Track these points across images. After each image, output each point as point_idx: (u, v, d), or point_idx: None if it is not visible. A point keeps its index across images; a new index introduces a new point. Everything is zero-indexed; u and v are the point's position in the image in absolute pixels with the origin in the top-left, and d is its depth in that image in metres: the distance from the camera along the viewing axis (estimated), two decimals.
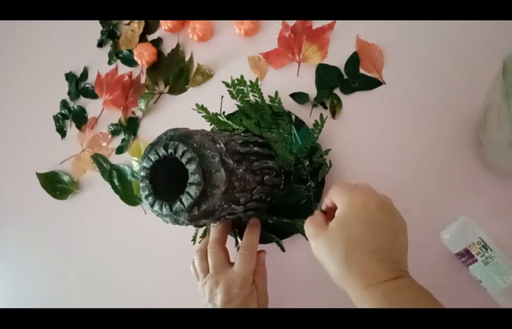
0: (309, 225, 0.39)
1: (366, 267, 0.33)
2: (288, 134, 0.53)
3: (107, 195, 0.70)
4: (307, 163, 0.53)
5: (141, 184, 0.40)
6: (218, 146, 0.39)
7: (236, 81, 0.55)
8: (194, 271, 0.51)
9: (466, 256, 0.45)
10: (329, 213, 0.40)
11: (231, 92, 0.55)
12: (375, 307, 0.32)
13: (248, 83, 0.55)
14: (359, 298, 0.33)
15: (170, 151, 0.38)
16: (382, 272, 0.33)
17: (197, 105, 0.56)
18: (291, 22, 0.60)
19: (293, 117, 0.55)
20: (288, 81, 0.59)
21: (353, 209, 0.36)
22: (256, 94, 0.55)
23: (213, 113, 0.56)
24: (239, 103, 0.56)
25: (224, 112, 0.59)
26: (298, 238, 0.54)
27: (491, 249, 0.44)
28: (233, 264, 0.48)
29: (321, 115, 0.53)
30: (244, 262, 0.47)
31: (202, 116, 0.56)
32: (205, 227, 0.57)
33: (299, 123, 0.55)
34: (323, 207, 0.42)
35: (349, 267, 0.34)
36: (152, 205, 0.39)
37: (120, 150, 0.71)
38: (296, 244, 0.54)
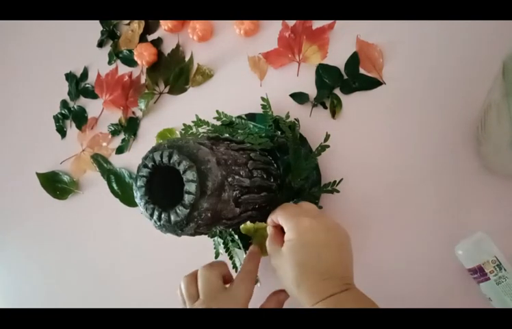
0: (268, 246, 0.42)
1: (315, 288, 0.36)
2: (249, 129, 0.56)
3: (107, 195, 0.71)
4: (279, 133, 0.55)
5: (138, 193, 0.40)
6: (213, 153, 0.39)
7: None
8: (181, 297, 0.44)
9: (479, 273, 0.44)
10: (280, 229, 0.43)
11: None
12: None
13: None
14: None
15: (164, 160, 0.38)
16: (329, 289, 0.36)
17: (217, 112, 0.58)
18: (291, 23, 0.60)
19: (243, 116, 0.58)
20: (288, 81, 0.59)
21: (300, 235, 0.39)
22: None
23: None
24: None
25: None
26: None
27: (505, 269, 0.43)
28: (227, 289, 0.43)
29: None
30: (243, 288, 0.41)
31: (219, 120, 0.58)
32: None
33: (251, 116, 0.58)
34: (271, 223, 0.44)
35: (300, 289, 0.37)
36: (151, 216, 0.39)
37: (120, 150, 0.71)
38: None
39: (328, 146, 0.53)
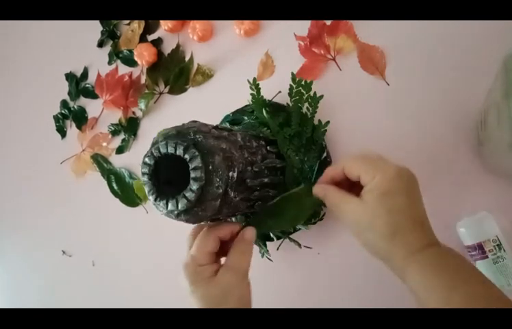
0: (339, 202, 0.38)
1: (411, 237, 0.34)
2: (309, 167, 0.52)
3: (107, 195, 0.71)
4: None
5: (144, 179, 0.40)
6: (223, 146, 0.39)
7: (303, 83, 0.53)
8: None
9: (478, 250, 0.44)
10: (343, 184, 0.39)
11: (291, 88, 0.53)
12: (419, 272, 0.33)
13: (305, 93, 0.53)
14: (404, 265, 0.34)
15: (170, 150, 0.38)
16: (425, 239, 0.34)
17: (248, 81, 0.55)
18: (302, 31, 0.59)
19: (325, 153, 0.53)
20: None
21: (390, 181, 0.35)
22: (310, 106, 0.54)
23: (259, 100, 0.55)
24: (279, 102, 0.56)
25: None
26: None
27: (504, 250, 0.43)
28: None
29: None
30: (228, 278, 0.39)
31: (251, 95, 0.55)
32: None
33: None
34: (330, 176, 0.40)
35: (393, 238, 0.34)
36: (156, 200, 0.39)
37: (120, 150, 0.71)
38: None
39: (321, 96, 0.53)
